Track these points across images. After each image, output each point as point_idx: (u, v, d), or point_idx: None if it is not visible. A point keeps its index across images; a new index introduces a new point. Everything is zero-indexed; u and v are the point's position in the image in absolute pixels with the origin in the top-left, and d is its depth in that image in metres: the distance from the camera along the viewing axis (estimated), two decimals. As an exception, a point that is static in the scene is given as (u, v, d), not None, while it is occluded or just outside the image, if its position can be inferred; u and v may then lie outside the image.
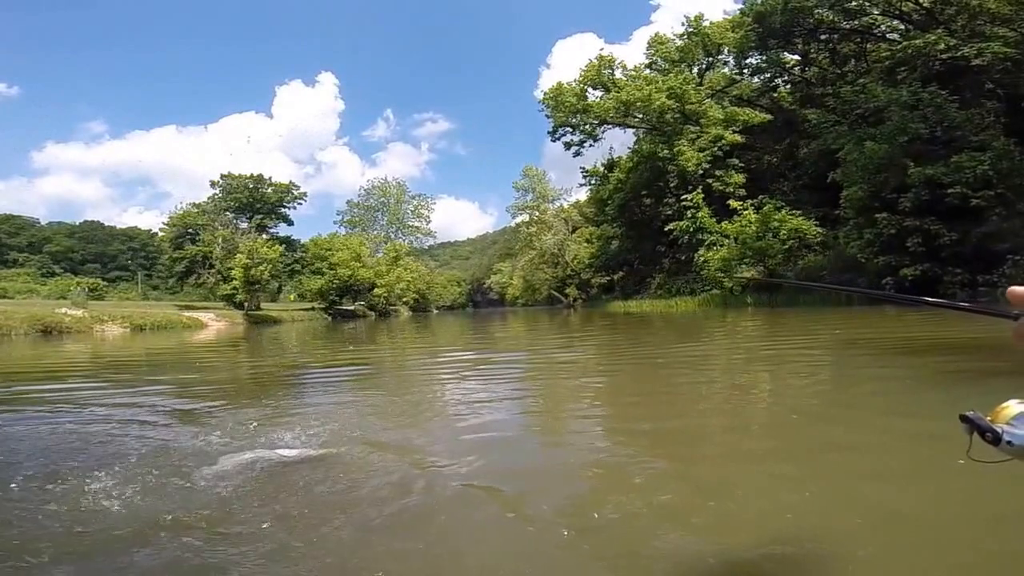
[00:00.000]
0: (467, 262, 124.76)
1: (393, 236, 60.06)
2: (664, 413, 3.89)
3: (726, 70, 35.09)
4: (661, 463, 2.71)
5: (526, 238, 57.38)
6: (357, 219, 60.72)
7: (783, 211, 24.57)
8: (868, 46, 27.97)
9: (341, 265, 45.92)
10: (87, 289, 37.26)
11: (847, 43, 29.04)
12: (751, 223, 24.76)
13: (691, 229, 29.37)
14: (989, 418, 0.60)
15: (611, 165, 40.09)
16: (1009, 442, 0.58)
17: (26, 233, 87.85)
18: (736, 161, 30.27)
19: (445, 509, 2.14)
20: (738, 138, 29.71)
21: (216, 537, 1.87)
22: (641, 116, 33.78)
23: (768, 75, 33.31)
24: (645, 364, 7.01)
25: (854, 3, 25.77)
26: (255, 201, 50.30)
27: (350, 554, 1.77)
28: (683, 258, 30.96)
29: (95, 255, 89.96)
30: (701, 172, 29.80)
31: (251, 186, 50.39)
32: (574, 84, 36.77)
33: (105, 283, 70.62)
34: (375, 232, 60.02)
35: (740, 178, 29.44)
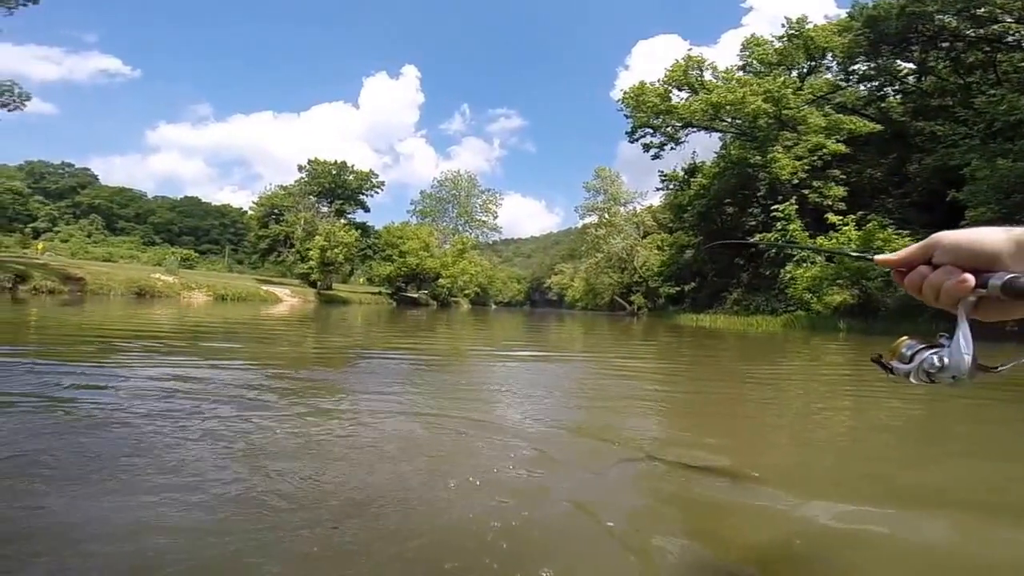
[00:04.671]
0: (528, 260, 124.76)
1: (461, 229, 60.81)
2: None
3: (828, 75, 32.52)
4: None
5: (593, 240, 55.96)
6: (428, 210, 61.95)
7: (887, 229, 22.26)
8: (999, 56, 24.88)
9: (410, 254, 46.98)
10: (180, 259, 40.23)
11: (973, 52, 25.91)
12: (851, 240, 22.61)
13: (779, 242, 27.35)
14: (890, 352, 0.78)
15: (692, 170, 38.22)
16: (894, 371, 0.77)
17: (134, 205, 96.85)
18: (837, 172, 27.85)
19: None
20: (842, 148, 27.28)
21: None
22: (731, 120, 31.92)
23: (876, 83, 30.52)
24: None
25: (983, 10, 22.90)
26: (337, 187, 52.45)
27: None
28: (767, 273, 28.84)
29: (191, 228, 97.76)
30: (796, 182, 27.62)
31: (334, 172, 52.58)
32: (657, 84, 35.32)
33: (197, 254, 76.65)
34: (444, 224, 61.02)
35: (840, 191, 26.96)
